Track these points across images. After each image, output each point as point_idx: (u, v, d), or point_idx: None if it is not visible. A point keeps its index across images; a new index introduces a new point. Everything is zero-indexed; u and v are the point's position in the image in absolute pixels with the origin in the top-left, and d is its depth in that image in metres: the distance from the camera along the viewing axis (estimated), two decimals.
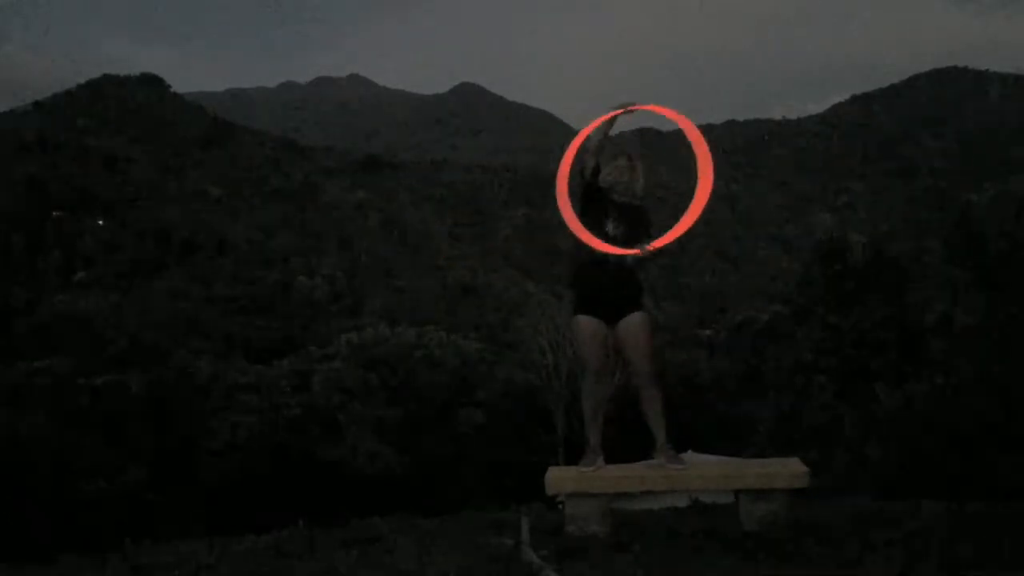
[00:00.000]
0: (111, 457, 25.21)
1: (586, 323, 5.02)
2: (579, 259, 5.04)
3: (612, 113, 4.96)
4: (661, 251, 4.85)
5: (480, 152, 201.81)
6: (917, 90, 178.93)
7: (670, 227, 4.93)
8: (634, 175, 5.11)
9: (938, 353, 21.45)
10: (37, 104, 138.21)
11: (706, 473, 5.19)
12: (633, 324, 4.98)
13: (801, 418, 24.44)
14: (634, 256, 4.84)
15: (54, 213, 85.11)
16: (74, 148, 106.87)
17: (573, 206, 4.95)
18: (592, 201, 5.04)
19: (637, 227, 4.98)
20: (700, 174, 4.93)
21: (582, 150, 5.01)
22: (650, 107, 5.05)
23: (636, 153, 5.26)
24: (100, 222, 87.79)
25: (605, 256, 4.85)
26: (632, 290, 5.05)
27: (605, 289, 4.99)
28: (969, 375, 18.43)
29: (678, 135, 5.36)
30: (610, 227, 4.95)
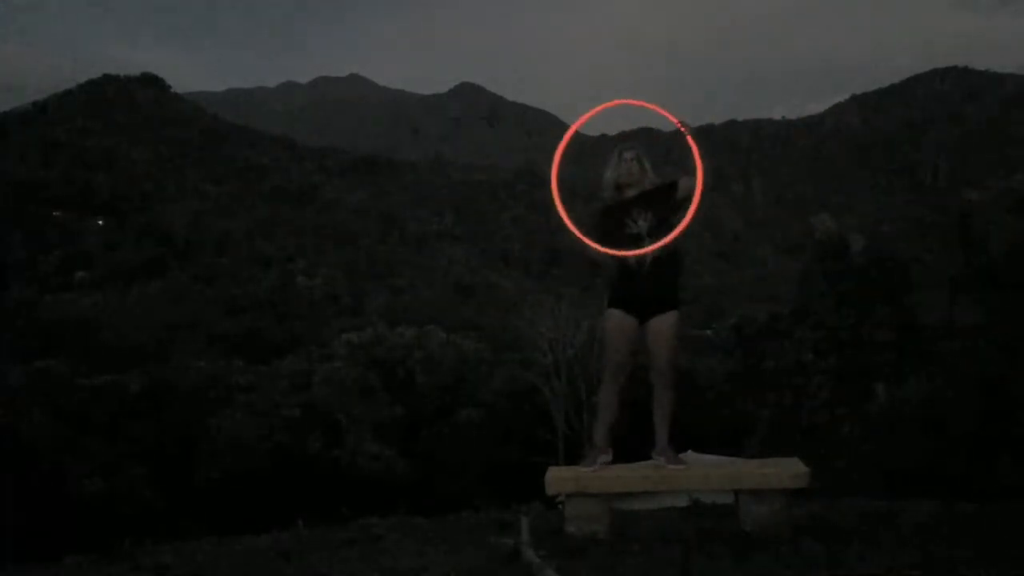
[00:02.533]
0: (111, 457, 25.22)
1: (617, 316, 5.03)
2: (617, 258, 5.03)
3: (591, 113, 5.09)
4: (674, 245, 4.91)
5: (480, 152, 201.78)
6: (917, 90, 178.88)
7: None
8: (643, 172, 5.11)
9: (938, 353, 21.46)
10: (37, 104, 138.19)
11: (706, 473, 5.19)
12: (664, 322, 4.98)
13: (801, 418, 24.44)
14: (672, 244, 4.89)
15: (54, 213, 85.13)
16: (74, 148, 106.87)
17: (590, 230, 4.99)
18: (608, 209, 5.09)
19: (663, 209, 4.97)
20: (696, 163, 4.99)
21: (602, 185, 5.10)
22: (618, 103, 5.18)
23: (642, 149, 5.23)
24: (100, 222, 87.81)
25: (644, 260, 4.89)
26: (667, 290, 5.04)
27: (641, 287, 4.98)
28: (969, 375, 18.44)
29: (678, 134, 5.38)
30: (634, 224, 4.95)
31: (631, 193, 5.06)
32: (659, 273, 4.96)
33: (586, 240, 4.88)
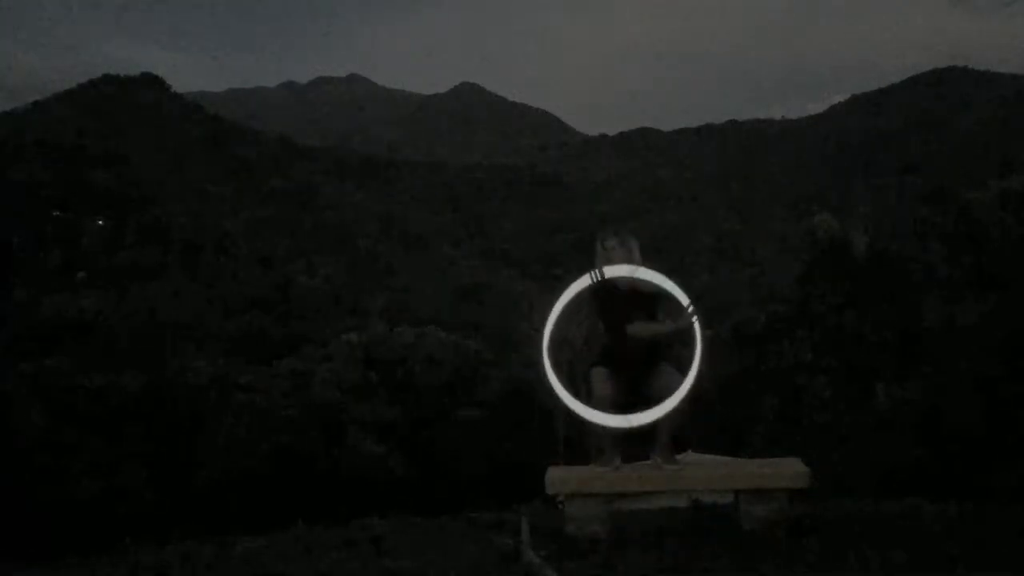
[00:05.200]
0: (111, 457, 25.22)
1: (604, 376, 5.00)
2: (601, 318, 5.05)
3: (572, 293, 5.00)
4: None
5: (480, 152, 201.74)
6: (917, 90, 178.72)
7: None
8: (628, 256, 5.01)
9: (938, 353, 21.45)
10: (37, 104, 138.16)
11: (706, 473, 5.19)
12: (665, 377, 4.95)
13: (801, 418, 24.43)
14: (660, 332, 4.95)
15: (54, 213, 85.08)
16: (74, 148, 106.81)
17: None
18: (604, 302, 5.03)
19: (652, 307, 5.00)
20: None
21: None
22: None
23: (627, 232, 5.14)
24: (100, 222, 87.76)
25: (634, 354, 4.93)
26: (653, 351, 5.07)
27: (629, 362, 5.01)
28: (969, 375, 18.43)
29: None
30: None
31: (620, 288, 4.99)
32: (645, 347, 5.02)
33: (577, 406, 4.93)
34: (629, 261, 4.95)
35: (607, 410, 4.94)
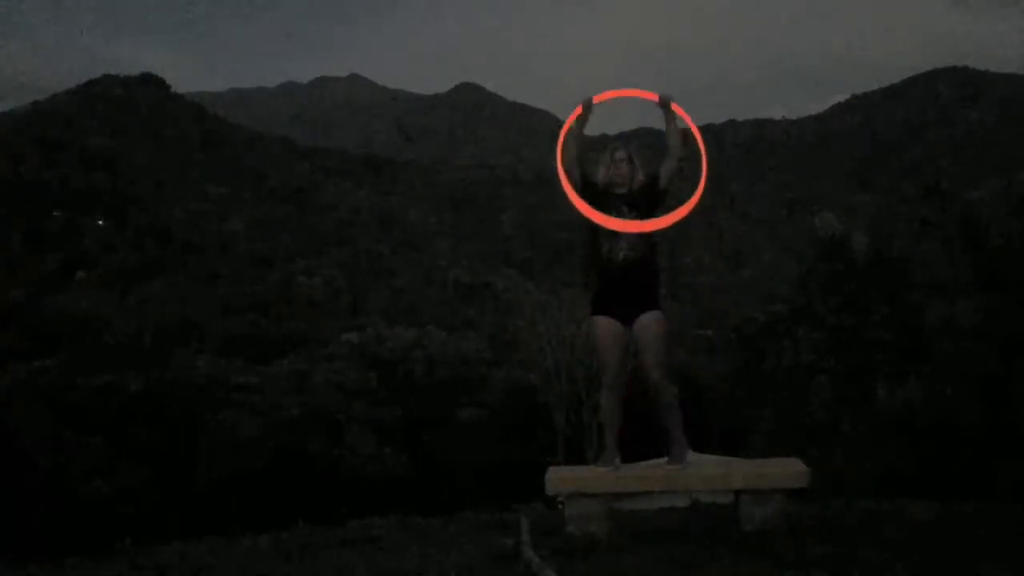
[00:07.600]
0: (111, 457, 25.22)
1: (603, 323, 4.98)
2: (594, 257, 5.02)
3: (576, 113, 5.02)
4: (664, 234, 4.90)
5: (480, 152, 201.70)
6: (917, 90, 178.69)
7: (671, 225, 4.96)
8: (634, 171, 5.06)
9: (938, 353, 21.44)
10: (37, 104, 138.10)
11: (706, 473, 5.20)
12: (646, 326, 4.90)
13: (801, 418, 24.43)
14: (647, 244, 4.90)
15: (54, 213, 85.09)
16: (74, 148, 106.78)
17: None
18: (593, 202, 5.01)
19: (647, 208, 4.97)
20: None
21: (566, 162, 5.04)
22: (615, 94, 5.16)
23: (634, 149, 5.20)
24: (100, 222, 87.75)
25: (616, 254, 4.87)
26: (648, 289, 4.97)
27: (620, 288, 4.93)
28: (969, 375, 18.43)
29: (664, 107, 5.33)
30: (618, 215, 4.92)
31: (620, 192, 5.05)
32: (637, 278, 4.93)
33: (583, 208, 4.88)
34: (633, 177, 5.03)
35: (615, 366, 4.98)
